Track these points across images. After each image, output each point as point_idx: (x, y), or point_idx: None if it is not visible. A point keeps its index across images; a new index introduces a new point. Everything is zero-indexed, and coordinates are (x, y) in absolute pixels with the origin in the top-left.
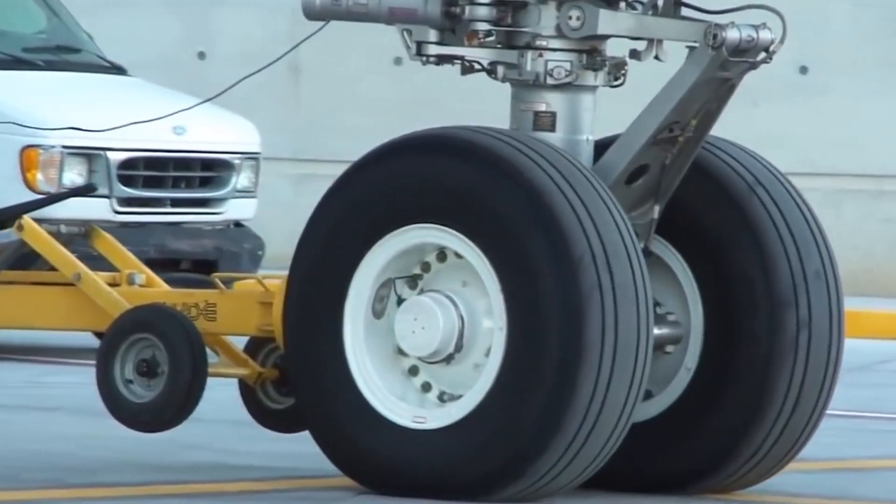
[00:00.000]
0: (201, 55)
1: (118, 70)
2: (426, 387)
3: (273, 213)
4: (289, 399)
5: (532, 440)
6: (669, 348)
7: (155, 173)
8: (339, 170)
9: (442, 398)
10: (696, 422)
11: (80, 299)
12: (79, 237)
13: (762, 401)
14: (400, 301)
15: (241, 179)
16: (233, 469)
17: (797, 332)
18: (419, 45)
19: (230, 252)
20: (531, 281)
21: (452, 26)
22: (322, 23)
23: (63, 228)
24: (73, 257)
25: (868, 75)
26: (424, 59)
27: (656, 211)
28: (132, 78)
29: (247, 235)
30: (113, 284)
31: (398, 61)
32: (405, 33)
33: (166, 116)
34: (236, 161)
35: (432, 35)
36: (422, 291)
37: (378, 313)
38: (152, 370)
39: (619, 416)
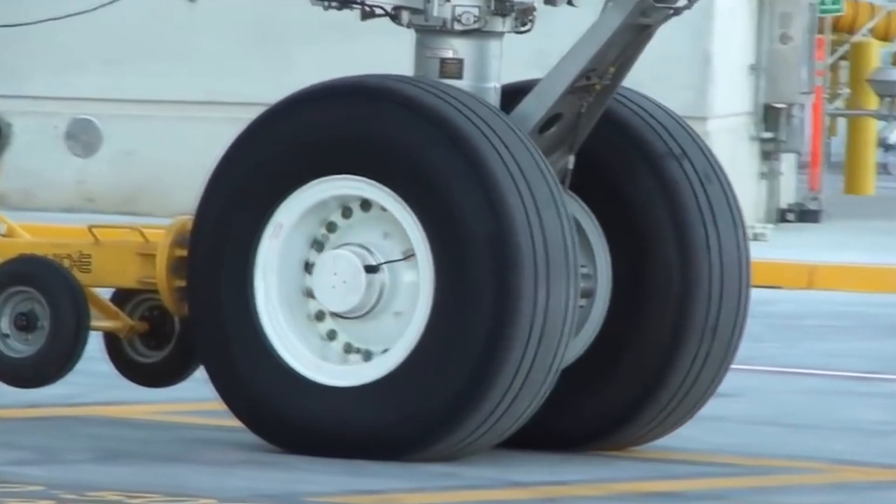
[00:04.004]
0: None
1: None
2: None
3: None
4: (155, 353)
5: (463, 395)
6: (582, 302)
7: None
8: None
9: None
10: (604, 376)
11: None
12: None
13: (671, 357)
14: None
15: None
16: None
17: (709, 286)
18: None
19: None
20: (459, 232)
21: None
22: None
23: None
24: None
25: None
26: (326, 4)
27: (570, 161)
28: None
29: None
30: None
31: None
32: None
33: None
34: None
35: None
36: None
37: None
38: (31, 324)
39: (550, 366)
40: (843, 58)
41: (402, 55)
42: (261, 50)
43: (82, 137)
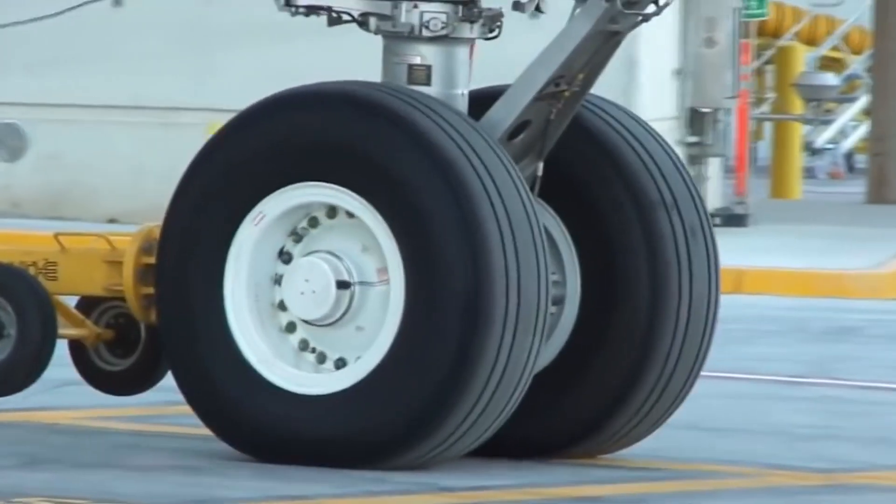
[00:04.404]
0: None
1: None
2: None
3: None
4: (122, 361)
5: (435, 402)
6: (553, 309)
7: None
8: None
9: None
10: (575, 383)
11: None
12: None
13: (643, 361)
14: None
15: None
16: None
17: (679, 292)
18: None
19: None
20: (430, 240)
21: None
22: None
23: None
24: None
25: None
26: (293, 10)
27: (539, 168)
28: None
29: None
30: None
31: None
32: None
33: None
34: None
35: None
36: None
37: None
38: None
39: (522, 372)
40: (768, 62)
41: (327, 60)
42: (186, 53)
43: (8, 142)
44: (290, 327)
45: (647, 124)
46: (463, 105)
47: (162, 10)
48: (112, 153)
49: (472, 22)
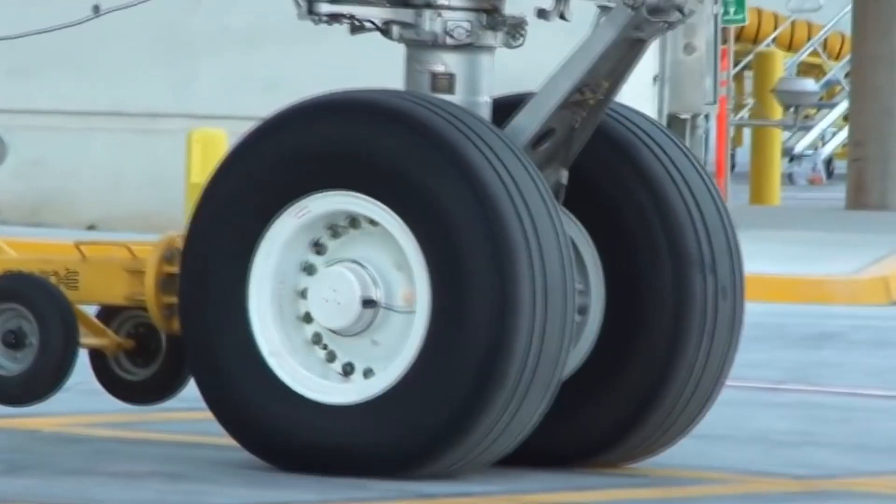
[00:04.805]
0: None
1: None
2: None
3: None
4: (142, 370)
5: (463, 411)
6: (577, 318)
7: None
8: None
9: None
10: (601, 391)
11: None
12: None
13: (668, 370)
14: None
15: None
16: None
17: (704, 299)
18: (310, 3)
19: None
20: (456, 249)
21: None
22: None
23: None
24: None
25: None
26: (316, 18)
27: (564, 176)
28: None
29: None
30: None
31: None
32: None
33: None
34: None
35: None
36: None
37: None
38: (20, 342)
39: (549, 381)
40: (747, 68)
41: (307, 67)
42: (165, 60)
43: None
44: (316, 338)
45: (668, 130)
46: (486, 113)
47: (141, 17)
48: (92, 160)
49: (495, 30)
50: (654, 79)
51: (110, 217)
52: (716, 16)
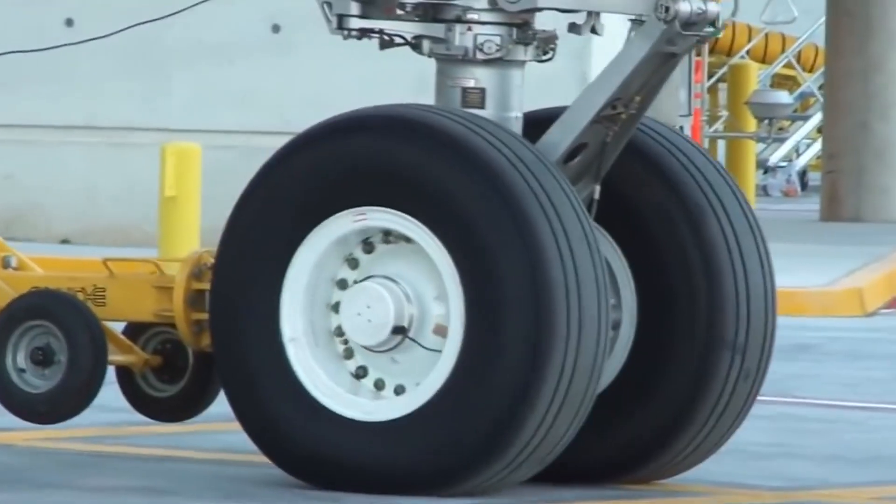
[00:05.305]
0: None
1: None
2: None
3: None
4: (168, 387)
5: (499, 428)
6: (611, 333)
7: None
8: None
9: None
10: (634, 406)
11: None
12: None
13: (699, 388)
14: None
15: None
16: None
17: (736, 316)
18: (340, 18)
19: None
20: (491, 265)
21: None
22: None
23: None
24: None
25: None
26: (346, 33)
27: (596, 191)
28: None
29: None
30: None
31: None
32: (325, 6)
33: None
34: None
35: (354, 7)
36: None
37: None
38: (48, 359)
39: (584, 397)
40: (721, 80)
41: (280, 80)
42: (139, 74)
43: None
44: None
45: (695, 143)
46: (517, 128)
47: (115, 30)
48: (65, 173)
49: (526, 44)
50: None
51: (84, 231)
52: None
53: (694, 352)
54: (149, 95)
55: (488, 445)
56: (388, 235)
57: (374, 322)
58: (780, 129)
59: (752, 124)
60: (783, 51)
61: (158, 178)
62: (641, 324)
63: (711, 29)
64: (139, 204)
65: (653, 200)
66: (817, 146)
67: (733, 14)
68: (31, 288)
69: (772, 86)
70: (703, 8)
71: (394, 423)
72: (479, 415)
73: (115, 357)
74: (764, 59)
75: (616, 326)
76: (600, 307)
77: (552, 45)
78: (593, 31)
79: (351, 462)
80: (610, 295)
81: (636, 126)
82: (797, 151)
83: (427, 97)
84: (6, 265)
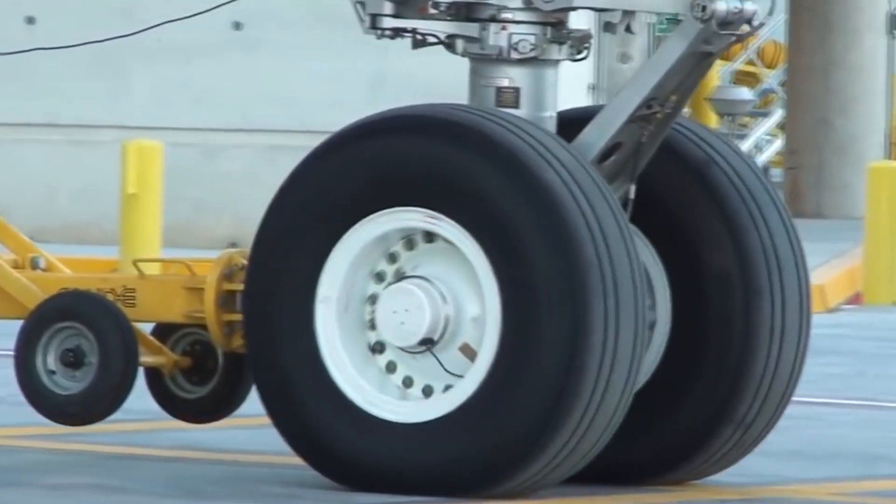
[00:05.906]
0: None
1: None
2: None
3: None
4: (198, 388)
5: (535, 430)
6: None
7: None
8: None
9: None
10: (669, 406)
11: None
12: None
13: (737, 386)
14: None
15: None
16: None
17: (771, 314)
18: (373, 17)
19: None
20: (528, 265)
21: None
22: None
23: None
24: None
25: (302, 32)
26: (379, 32)
27: (632, 190)
28: None
29: None
30: (14, 269)
31: None
32: (358, 6)
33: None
34: None
35: (387, 7)
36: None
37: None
38: (79, 360)
39: (620, 398)
40: None
41: (240, 78)
42: (100, 72)
43: None
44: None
45: (731, 142)
46: (552, 127)
47: (75, 29)
48: (25, 171)
49: (560, 43)
50: (590, 87)
51: (45, 229)
52: (650, 25)
53: (730, 350)
54: (109, 93)
55: (528, 445)
56: (429, 235)
57: (406, 323)
58: (742, 125)
59: (713, 120)
60: (744, 47)
61: (119, 175)
62: (676, 320)
63: (748, 28)
64: (100, 202)
65: (688, 202)
66: (778, 143)
67: (770, 13)
68: (61, 289)
69: (733, 82)
70: (740, 7)
71: (433, 423)
72: (517, 415)
73: (146, 358)
74: (725, 56)
75: (652, 326)
76: (637, 307)
77: (586, 44)
78: (628, 29)
79: (390, 466)
80: (646, 295)
81: (671, 125)
82: (758, 148)
83: (383, 95)
84: (34, 266)
